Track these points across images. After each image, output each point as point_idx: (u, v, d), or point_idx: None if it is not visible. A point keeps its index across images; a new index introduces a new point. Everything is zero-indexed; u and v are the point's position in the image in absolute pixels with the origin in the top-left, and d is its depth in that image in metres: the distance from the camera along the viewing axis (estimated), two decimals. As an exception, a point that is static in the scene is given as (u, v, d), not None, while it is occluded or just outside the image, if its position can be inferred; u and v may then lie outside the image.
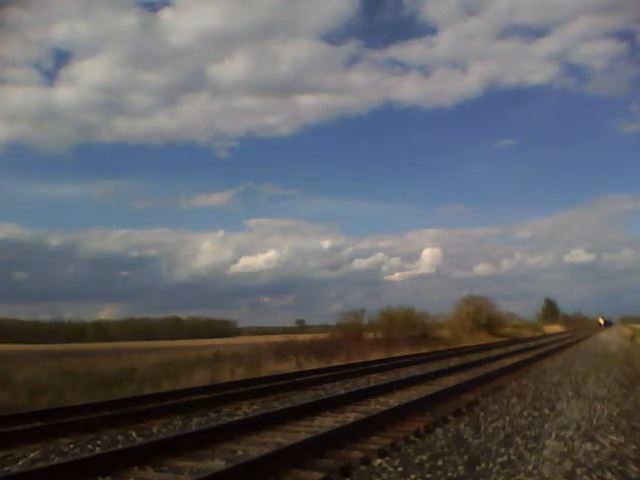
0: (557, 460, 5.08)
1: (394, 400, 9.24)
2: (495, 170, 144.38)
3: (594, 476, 4.60)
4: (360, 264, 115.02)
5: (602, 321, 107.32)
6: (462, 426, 6.84)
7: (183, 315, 76.22)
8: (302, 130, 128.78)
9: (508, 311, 59.93)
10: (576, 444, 5.67)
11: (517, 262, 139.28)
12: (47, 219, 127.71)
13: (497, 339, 39.47)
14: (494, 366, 15.26)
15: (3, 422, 7.29)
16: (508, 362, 16.23)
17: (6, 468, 5.32)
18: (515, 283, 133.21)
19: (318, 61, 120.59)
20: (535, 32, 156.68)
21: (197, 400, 9.41)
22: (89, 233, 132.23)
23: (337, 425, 6.64)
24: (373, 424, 6.67)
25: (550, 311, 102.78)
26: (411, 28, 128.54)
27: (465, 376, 12.49)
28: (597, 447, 5.53)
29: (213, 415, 8.36)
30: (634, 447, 5.53)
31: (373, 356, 21.41)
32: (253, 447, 5.92)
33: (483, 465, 4.99)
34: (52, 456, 5.76)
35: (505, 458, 5.21)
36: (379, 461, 5.22)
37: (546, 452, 5.41)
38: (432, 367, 15.76)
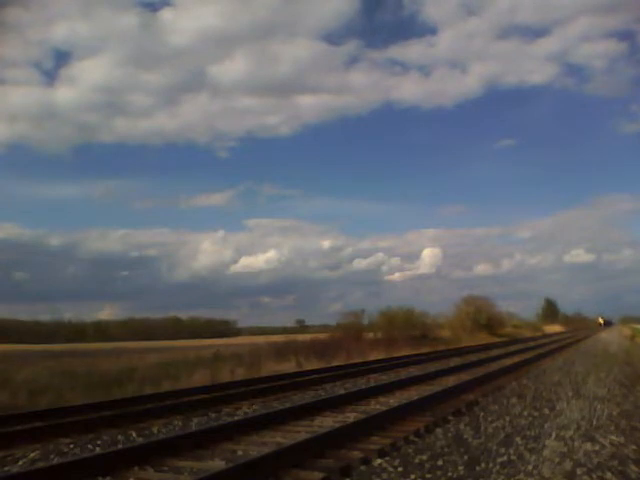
0: (557, 460, 5.08)
1: (394, 400, 9.24)
2: (495, 170, 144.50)
3: (594, 476, 4.60)
4: (360, 264, 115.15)
5: (602, 321, 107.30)
6: (462, 426, 6.84)
7: (183, 315, 76.38)
8: (302, 130, 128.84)
9: (508, 311, 60.04)
10: (576, 444, 5.67)
11: (517, 262, 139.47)
12: (47, 219, 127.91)
13: (497, 339, 39.47)
14: (494, 366, 15.26)
15: (3, 422, 7.29)
16: (508, 362, 16.23)
17: (6, 468, 5.32)
18: (515, 283, 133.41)
19: (318, 61, 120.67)
20: (535, 32, 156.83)
21: (197, 400, 9.41)
22: (89, 233, 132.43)
23: (337, 425, 6.64)
24: (373, 424, 6.67)
25: (550, 311, 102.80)
26: (411, 28, 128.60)
27: (465, 376, 12.49)
28: (597, 447, 5.53)
29: (213, 415, 8.35)
30: (634, 447, 5.53)
31: (373, 356, 21.41)
32: (253, 447, 5.92)
33: (483, 465, 4.99)
34: (52, 456, 5.76)
35: (505, 458, 5.21)
36: (379, 461, 5.22)
37: (546, 452, 5.41)
38: (432, 367, 15.76)
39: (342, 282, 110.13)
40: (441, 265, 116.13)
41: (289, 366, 17.35)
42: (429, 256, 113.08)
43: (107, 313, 76.79)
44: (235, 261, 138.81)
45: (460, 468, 4.90)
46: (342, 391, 10.54)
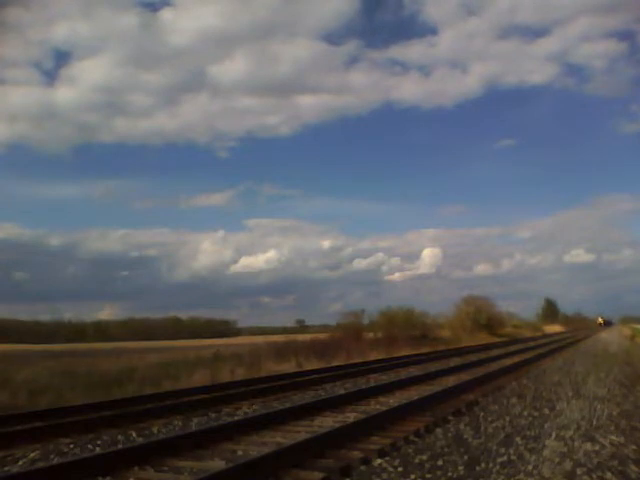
0: (557, 460, 5.08)
1: (394, 400, 9.24)
2: (495, 170, 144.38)
3: (594, 476, 4.60)
4: (360, 264, 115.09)
5: (602, 321, 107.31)
6: (462, 426, 6.84)
7: (183, 315, 76.32)
8: (302, 130, 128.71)
9: (508, 311, 60.03)
10: (576, 444, 5.67)
11: (517, 262, 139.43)
12: (47, 219, 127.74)
13: (497, 339, 39.48)
14: (494, 366, 15.26)
15: (3, 422, 7.29)
16: (508, 362, 16.23)
17: (6, 468, 5.32)
18: (515, 283, 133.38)
19: (318, 61, 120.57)
20: (535, 32, 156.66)
21: (197, 400, 9.41)
22: (89, 233, 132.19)
23: (337, 425, 6.64)
24: (373, 424, 6.67)
25: (550, 311, 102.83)
26: (411, 28, 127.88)
27: (465, 376, 12.49)
28: (597, 447, 5.53)
29: (213, 415, 8.36)
30: (634, 447, 5.53)
31: (373, 356, 21.41)
32: (253, 447, 5.92)
33: (483, 465, 4.99)
34: (52, 456, 5.76)
35: (505, 458, 5.21)
36: (379, 461, 5.22)
37: (546, 452, 5.41)
38: (432, 367, 15.76)
39: (342, 282, 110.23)
40: (441, 265, 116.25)
41: (289, 366, 17.35)
42: (429, 256, 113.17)
43: (107, 313, 76.79)
44: (235, 261, 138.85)
45: (460, 468, 4.90)
46: (342, 391, 10.54)
